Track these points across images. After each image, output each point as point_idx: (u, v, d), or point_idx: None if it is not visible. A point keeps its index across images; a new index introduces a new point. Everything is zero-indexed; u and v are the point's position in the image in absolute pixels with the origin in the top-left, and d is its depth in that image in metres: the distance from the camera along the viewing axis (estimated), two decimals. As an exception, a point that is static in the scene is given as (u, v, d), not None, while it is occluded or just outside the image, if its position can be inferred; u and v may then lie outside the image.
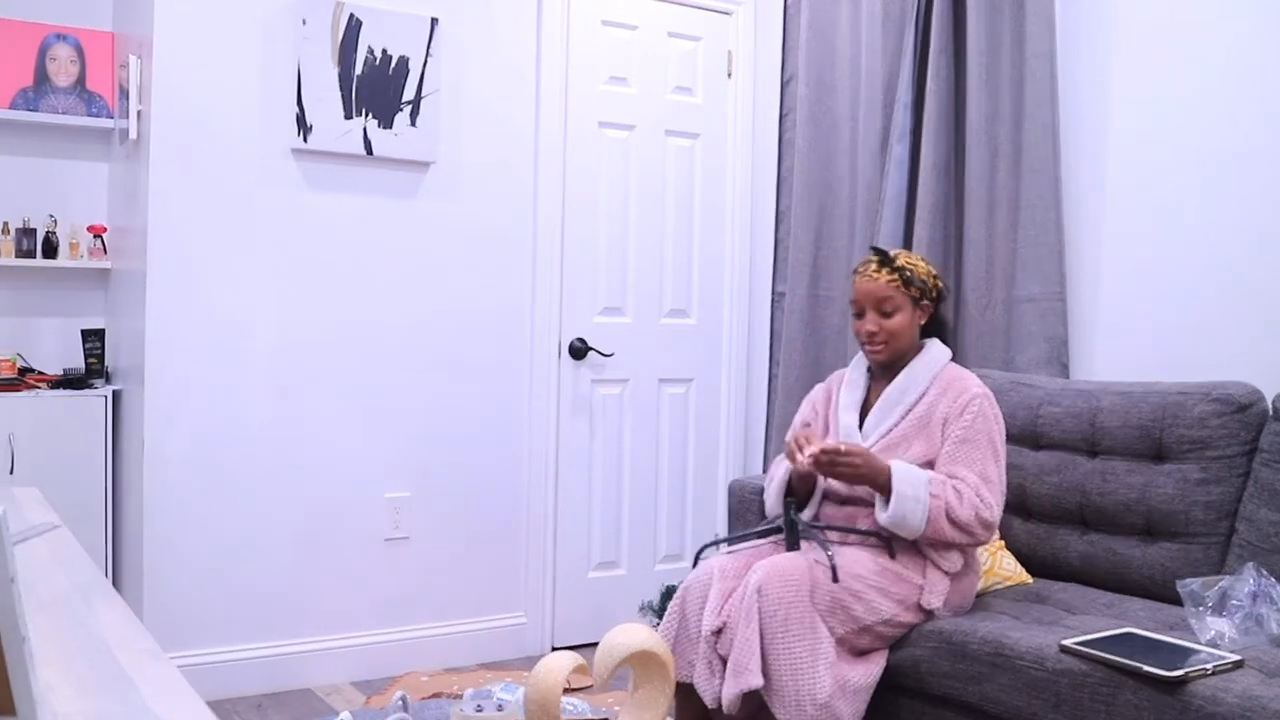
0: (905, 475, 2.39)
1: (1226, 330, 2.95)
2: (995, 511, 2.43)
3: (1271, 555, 2.45)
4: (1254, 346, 2.89)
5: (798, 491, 2.61)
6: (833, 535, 2.52)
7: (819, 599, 2.31)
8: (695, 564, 2.53)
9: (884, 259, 2.58)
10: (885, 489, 2.39)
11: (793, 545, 2.44)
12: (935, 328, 2.65)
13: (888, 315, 2.55)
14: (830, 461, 2.38)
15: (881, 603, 2.39)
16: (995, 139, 3.38)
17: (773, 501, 2.64)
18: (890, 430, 2.54)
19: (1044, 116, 3.27)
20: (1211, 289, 2.99)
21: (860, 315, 2.60)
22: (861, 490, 2.51)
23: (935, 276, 2.62)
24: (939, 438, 2.50)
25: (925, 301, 2.59)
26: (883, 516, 2.39)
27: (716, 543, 2.64)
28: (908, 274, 2.56)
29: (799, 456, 2.41)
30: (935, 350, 2.61)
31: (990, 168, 3.38)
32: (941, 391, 2.53)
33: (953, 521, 2.38)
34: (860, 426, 2.60)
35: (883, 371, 2.63)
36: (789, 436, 2.52)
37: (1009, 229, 3.35)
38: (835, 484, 2.56)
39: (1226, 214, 2.96)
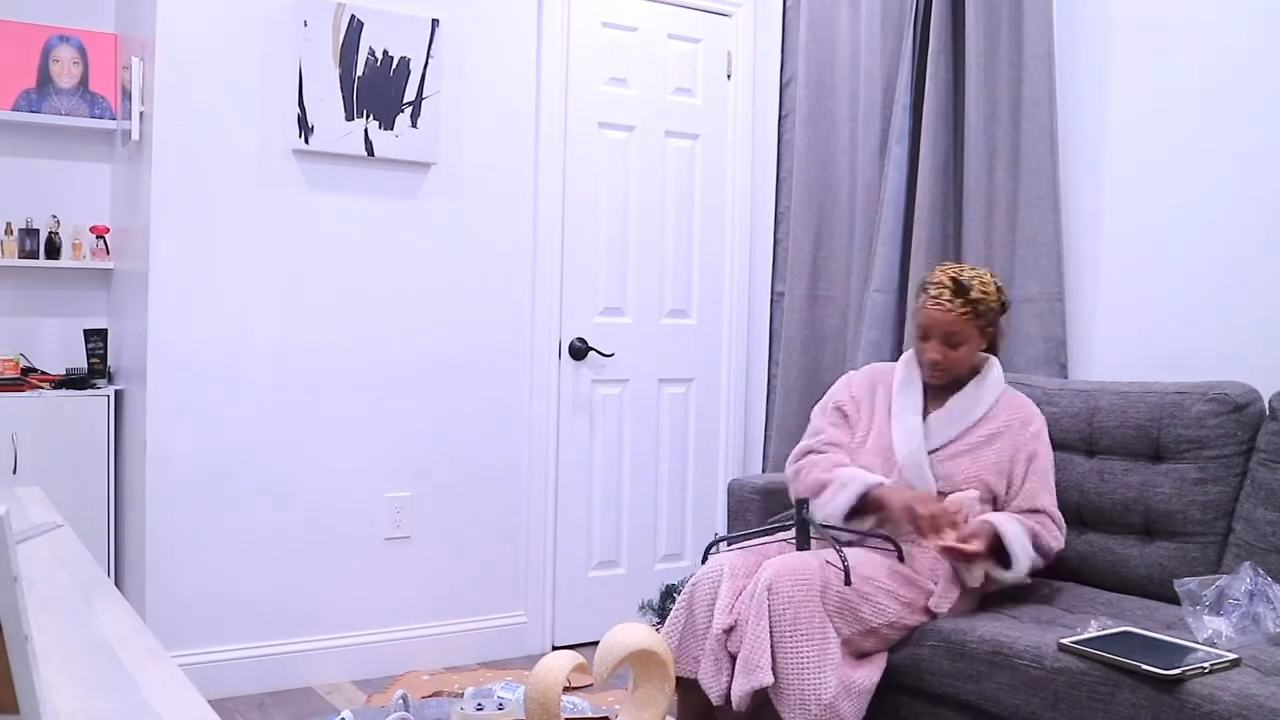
0: (1013, 536, 2.44)
1: (1224, 330, 2.96)
2: (1064, 530, 2.61)
3: (1268, 554, 2.45)
4: (1251, 347, 2.89)
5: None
6: (844, 537, 2.53)
7: (828, 599, 2.32)
8: (705, 560, 2.53)
9: (958, 288, 2.53)
10: (995, 548, 2.45)
11: (803, 545, 2.45)
12: (999, 339, 2.69)
13: (954, 346, 2.56)
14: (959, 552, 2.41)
15: (890, 605, 2.39)
16: (994, 140, 3.38)
17: (831, 510, 2.55)
18: (949, 443, 2.59)
19: (1042, 117, 3.28)
20: (1209, 289, 2.99)
21: (925, 339, 2.58)
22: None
23: (1000, 291, 2.62)
24: (1004, 460, 2.56)
25: (990, 329, 2.60)
26: (1008, 576, 2.47)
27: (724, 539, 2.62)
28: (980, 306, 2.54)
29: (937, 539, 2.41)
30: (995, 372, 2.65)
31: (988, 168, 3.39)
32: (1008, 416, 2.59)
33: (1045, 556, 2.52)
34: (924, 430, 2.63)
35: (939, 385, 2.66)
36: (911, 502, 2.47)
37: (1007, 229, 3.36)
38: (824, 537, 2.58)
39: (1224, 214, 2.97)
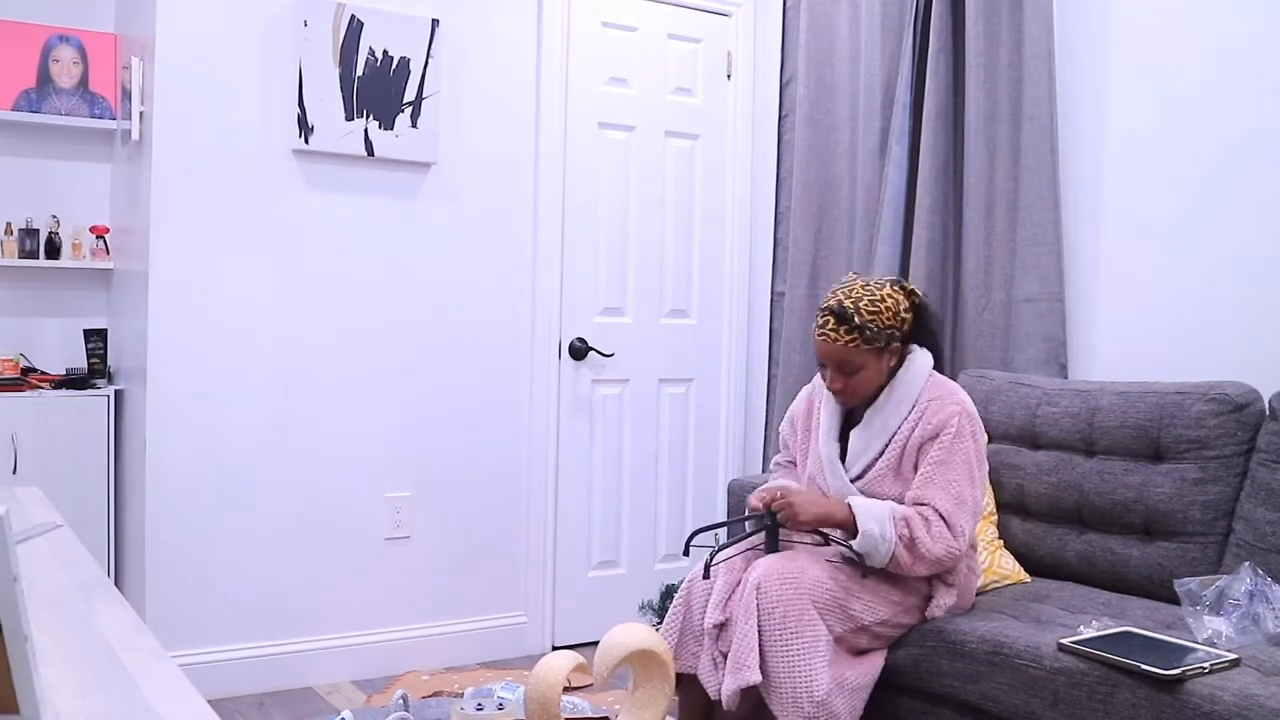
0: (869, 513, 2.35)
1: (1224, 330, 2.96)
2: (966, 539, 2.38)
3: (1268, 554, 2.46)
4: (1251, 347, 2.89)
5: None
6: (805, 542, 2.52)
7: (818, 598, 2.32)
8: (686, 551, 2.53)
9: (840, 317, 2.41)
10: (849, 527, 2.38)
11: (772, 549, 2.44)
12: (921, 333, 2.53)
13: (850, 374, 2.44)
14: (786, 511, 2.40)
15: (878, 603, 2.39)
16: (994, 139, 3.38)
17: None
18: (874, 462, 2.48)
19: (1042, 117, 3.28)
20: (1209, 289, 2.99)
21: (823, 366, 2.49)
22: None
23: (909, 294, 2.49)
24: (914, 463, 2.44)
25: (894, 344, 2.45)
26: (851, 546, 2.38)
27: (701, 531, 2.55)
28: (868, 331, 2.39)
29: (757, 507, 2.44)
30: (915, 366, 2.49)
31: (989, 168, 3.39)
32: (920, 414, 2.44)
33: (920, 557, 2.35)
34: (843, 451, 2.54)
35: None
36: (764, 490, 2.50)
37: (1007, 229, 3.36)
38: (833, 491, 2.56)
39: (1224, 214, 2.97)
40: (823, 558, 2.41)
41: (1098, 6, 3.26)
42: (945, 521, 2.35)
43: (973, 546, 2.58)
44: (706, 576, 2.45)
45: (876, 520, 2.34)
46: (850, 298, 2.44)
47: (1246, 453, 2.62)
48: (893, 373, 2.49)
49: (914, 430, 2.44)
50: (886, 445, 2.46)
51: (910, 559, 2.35)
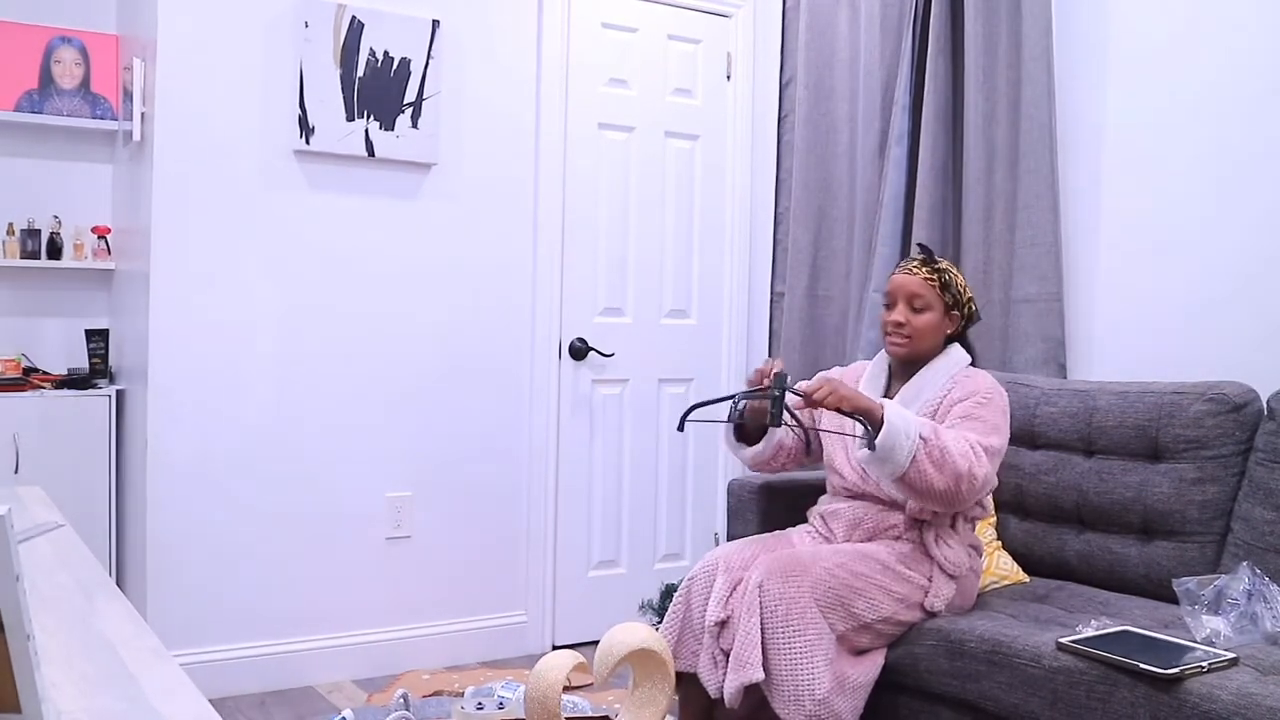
0: (898, 412, 2.32)
1: (1222, 330, 2.96)
2: (985, 473, 2.35)
3: (1266, 554, 2.46)
4: (1250, 346, 2.90)
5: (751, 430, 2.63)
6: (821, 537, 2.53)
7: (821, 596, 2.33)
8: (681, 427, 2.42)
9: (928, 257, 2.60)
10: (878, 421, 2.31)
11: (775, 420, 2.34)
12: (962, 340, 2.65)
13: (917, 311, 2.55)
14: (825, 390, 2.32)
15: (882, 600, 2.40)
16: (992, 140, 3.39)
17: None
18: None
19: (1041, 118, 3.28)
20: (1208, 289, 3.00)
21: (891, 306, 2.59)
22: (870, 485, 2.53)
23: (970, 296, 2.63)
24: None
25: (956, 311, 2.58)
26: (865, 454, 2.31)
27: (699, 407, 2.46)
28: (946, 278, 2.57)
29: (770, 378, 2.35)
30: (956, 354, 2.60)
31: (988, 169, 3.39)
32: (953, 385, 2.54)
33: (944, 468, 2.29)
34: None
35: (903, 370, 2.63)
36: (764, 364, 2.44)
37: (1006, 230, 3.36)
38: (847, 477, 2.57)
39: (1223, 215, 2.97)
40: (834, 549, 2.41)
41: (1097, 7, 3.27)
42: (971, 447, 2.35)
43: (976, 548, 2.59)
44: (680, 429, 2.41)
45: (903, 419, 2.31)
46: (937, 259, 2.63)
47: (1244, 452, 2.62)
48: (937, 353, 2.59)
49: (946, 397, 2.53)
50: (920, 410, 2.54)
51: (934, 467, 2.29)
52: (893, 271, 2.63)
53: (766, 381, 2.37)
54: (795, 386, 2.38)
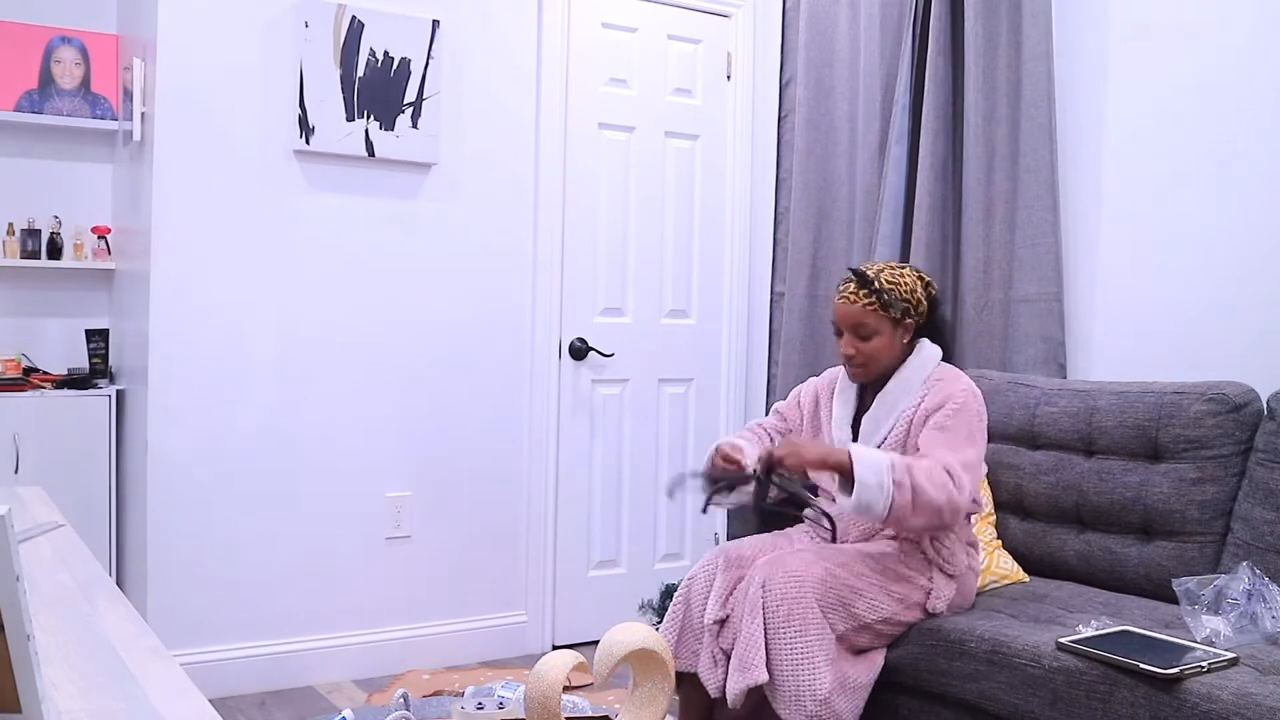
0: (867, 462, 2.28)
1: (1222, 330, 2.97)
2: (967, 494, 2.34)
3: (1266, 554, 2.46)
4: (1249, 347, 2.90)
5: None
6: (820, 539, 2.53)
7: (822, 596, 2.33)
8: (670, 494, 2.44)
9: (862, 280, 2.50)
10: (846, 473, 2.30)
11: (759, 501, 2.37)
12: (932, 331, 2.59)
13: (865, 339, 2.49)
14: (790, 457, 2.33)
15: (883, 601, 2.40)
16: (992, 140, 3.39)
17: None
18: (885, 440, 2.51)
19: (1041, 117, 3.28)
20: (1207, 289, 3.00)
21: (839, 335, 2.54)
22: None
23: (926, 285, 2.55)
24: (919, 436, 2.46)
25: (909, 319, 2.51)
26: (846, 504, 2.30)
27: (689, 477, 2.49)
28: (886, 297, 2.47)
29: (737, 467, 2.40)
30: (925, 353, 2.54)
31: (987, 169, 3.39)
32: (927, 391, 2.49)
33: (920, 508, 2.28)
34: (855, 437, 2.57)
35: (873, 381, 2.58)
36: (725, 445, 2.49)
37: (1006, 230, 3.36)
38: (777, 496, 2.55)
39: (1223, 215, 2.97)
40: (805, 516, 2.41)
41: (1097, 6, 3.27)
42: (947, 472, 2.31)
43: (973, 545, 2.59)
44: (670, 497, 2.41)
45: (874, 471, 2.27)
46: (872, 269, 2.54)
47: (1244, 452, 2.62)
48: (903, 359, 2.54)
49: (920, 405, 2.48)
50: (895, 424, 2.50)
51: (910, 508, 2.28)
52: (834, 298, 2.55)
53: (747, 468, 2.40)
54: (763, 453, 2.39)
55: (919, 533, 2.41)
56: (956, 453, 2.36)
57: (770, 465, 2.37)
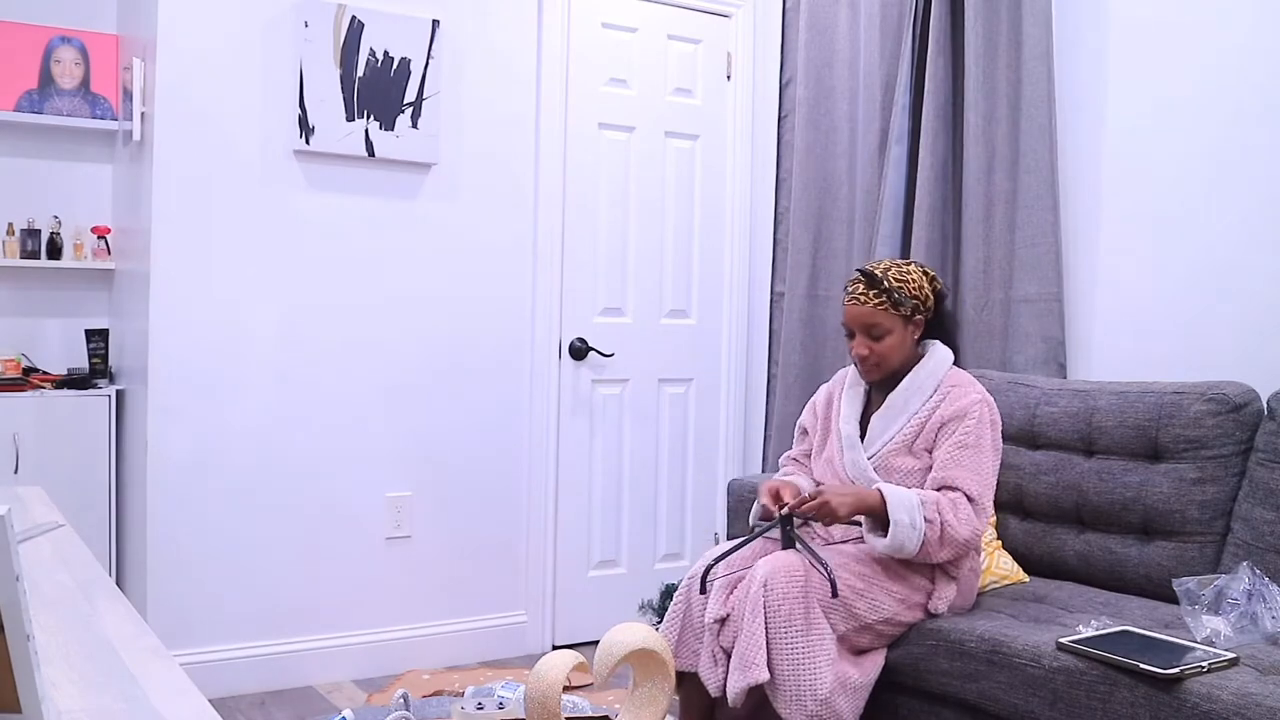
0: (899, 502, 2.36)
1: (1222, 330, 2.96)
2: (988, 517, 2.44)
3: (1266, 554, 2.46)
4: (1250, 347, 2.90)
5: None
6: (820, 540, 2.54)
7: (823, 596, 2.33)
8: (703, 589, 2.45)
9: (870, 280, 2.52)
10: (879, 514, 2.38)
11: (787, 545, 2.45)
12: (939, 328, 2.62)
13: (877, 339, 2.52)
14: (823, 511, 2.38)
15: (884, 601, 2.40)
16: (993, 140, 3.39)
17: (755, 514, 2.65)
18: (893, 438, 2.53)
19: (1041, 118, 3.28)
20: (1208, 289, 3.00)
21: (851, 336, 2.56)
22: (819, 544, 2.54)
23: (932, 280, 2.58)
24: (931, 442, 2.49)
25: (919, 316, 2.54)
26: (880, 545, 2.38)
27: (716, 562, 2.49)
28: (896, 295, 2.50)
29: (782, 508, 2.43)
30: (938, 355, 2.57)
31: (988, 169, 3.39)
32: (943, 398, 2.51)
33: (947, 542, 2.37)
34: (863, 435, 2.59)
35: (884, 381, 2.61)
36: (774, 484, 2.51)
37: (1006, 230, 3.36)
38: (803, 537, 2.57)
39: (1223, 215, 2.97)
40: (837, 550, 2.42)
41: (1097, 7, 3.27)
42: (972, 504, 2.39)
43: (975, 546, 2.59)
44: (704, 591, 2.44)
45: (907, 510, 2.34)
46: (878, 268, 2.56)
47: (1244, 452, 2.62)
48: (914, 358, 2.57)
49: (935, 410, 2.50)
50: (905, 424, 2.53)
51: (939, 545, 2.37)
52: (843, 300, 2.58)
53: (776, 509, 2.44)
54: (794, 504, 2.43)
55: (938, 561, 2.45)
56: (979, 475, 2.43)
57: (800, 513, 2.42)
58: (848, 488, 2.45)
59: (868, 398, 2.66)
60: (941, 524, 2.36)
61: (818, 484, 2.67)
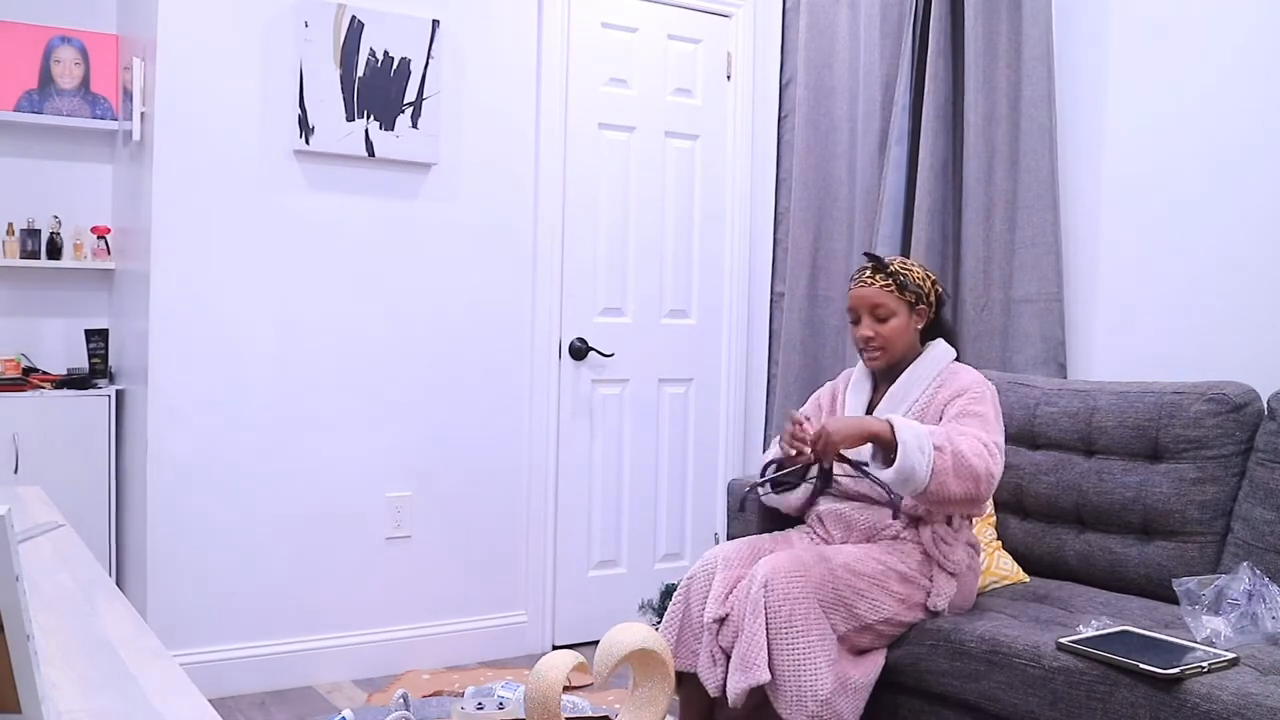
0: (905, 425, 2.33)
1: (1222, 330, 2.96)
2: (1000, 467, 2.39)
3: (1266, 554, 2.46)
4: (1250, 346, 2.90)
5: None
6: (848, 480, 2.54)
7: (824, 596, 2.33)
8: (742, 505, 2.57)
9: (878, 263, 2.58)
10: (888, 442, 2.34)
11: (825, 486, 2.48)
12: (937, 331, 2.65)
13: (883, 320, 2.56)
14: (821, 441, 2.34)
15: (885, 601, 2.40)
16: (992, 140, 3.39)
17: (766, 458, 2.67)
18: None
19: (1041, 118, 3.28)
20: (1207, 289, 3.00)
21: (857, 322, 2.60)
22: (865, 487, 2.53)
23: (933, 281, 2.62)
24: (937, 422, 2.49)
25: (922, 305, 2.58)
26: (887, 474, 2.32)
27: (761, 483, 2.54)
28: (902, 279, 2.56)
29: (803, 449, 2.38)
30: (938, 350, 2.61)
31: (988, 169, 3.39)
32: (942, 383, 2.55)
33: (960, 472, 2.31)
34: None
35: (887, 373, 2.64)
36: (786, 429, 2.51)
37: (1006, 230, 3.36)
38: (842, 482, 2.57)
39: (1222, 214, 2.97)
40: (861, 491, 2.45)
41: (1097, 6, 3.27)
42: (983, 445, 2.37)
43: (974, 546, 2.59)
44: (742, 509, 2.51)
45: (914, 434, 2.31)
46: (885, 258, 2.61)
47: (1245, 452, 2.62)
48: (916, 351, 2.61)
49: (937, 393, 2.54)
50: (907, 411, 2.55)
51: (951, 473, 2.31)
52: (849, 286, 2.61)
53: (802, 447, 2.40)
54: (782, 444, 2.42)
55: (955, 506, 2.39)
56: (989, 433, 2.43)
57: (822, 451, 2.37)
58: (849, 418, 2.41)
59: (872, 394, 2.68)
60: (953, 451, 2.31)
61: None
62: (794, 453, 2.40)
